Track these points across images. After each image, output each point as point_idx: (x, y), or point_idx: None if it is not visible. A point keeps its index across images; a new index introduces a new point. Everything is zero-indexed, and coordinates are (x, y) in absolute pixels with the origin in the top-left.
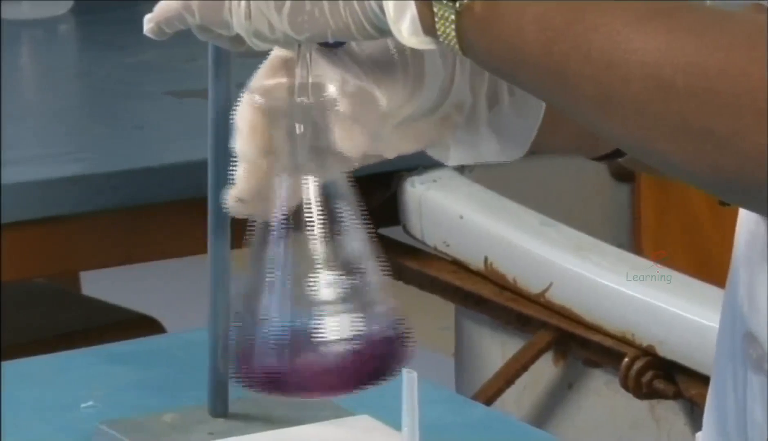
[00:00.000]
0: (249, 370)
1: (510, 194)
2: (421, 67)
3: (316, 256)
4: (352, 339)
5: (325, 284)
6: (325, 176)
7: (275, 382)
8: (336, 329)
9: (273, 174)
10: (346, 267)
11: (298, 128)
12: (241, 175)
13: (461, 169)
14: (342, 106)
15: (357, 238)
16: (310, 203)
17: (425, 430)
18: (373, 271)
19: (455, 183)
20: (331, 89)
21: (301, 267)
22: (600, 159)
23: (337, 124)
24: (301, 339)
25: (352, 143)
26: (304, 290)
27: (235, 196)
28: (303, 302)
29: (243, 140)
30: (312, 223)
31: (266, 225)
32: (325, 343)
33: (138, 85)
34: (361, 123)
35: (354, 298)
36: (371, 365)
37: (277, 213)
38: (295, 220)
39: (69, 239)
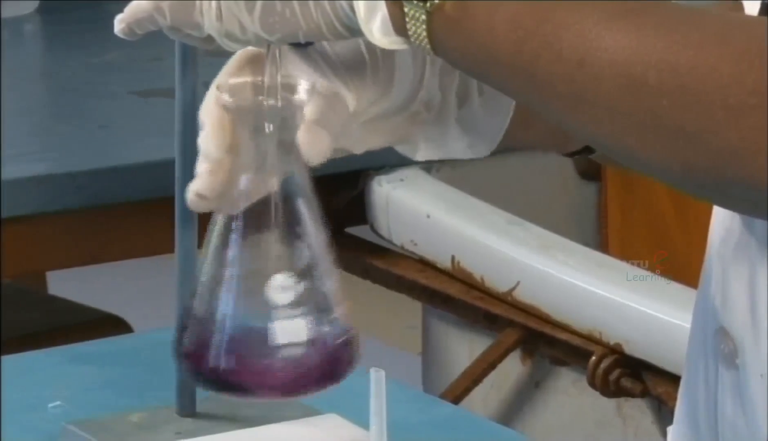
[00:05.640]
0: (200, 370)
1: (477, 193)
2: (392, 67)
3: (272, 256)
4: (303, 342)
5: (279, 286)
6: (289, 170)
7: (225, 382)
8: (287, 331)
9: (236, 172)
10: (301, 269)
11: (267, 128)
12: (203, 171)
13: (428, 169)
14: (309, 109)
15: (314, 240)
16: (270, 202)
17: (393, 428)
18: (328, 275)
19: (422, 182)
20: (300, 91)
21: (256, 267)
22: (572, 155)
23: (303, 129)
24: (253, 340)
25: (317, 150)
26: (257, 291)
27: (196, 192)
28: (256, 303)
29: (208, 137)
30: (270, 222)
31: (223, 222)
32: (276, 345)
33: (103, 84)
34: (328, 127)
35: (307, 301)
36: (321, 368)
37: (237, 210)
38: (253, 218)
39: (35, 239)
